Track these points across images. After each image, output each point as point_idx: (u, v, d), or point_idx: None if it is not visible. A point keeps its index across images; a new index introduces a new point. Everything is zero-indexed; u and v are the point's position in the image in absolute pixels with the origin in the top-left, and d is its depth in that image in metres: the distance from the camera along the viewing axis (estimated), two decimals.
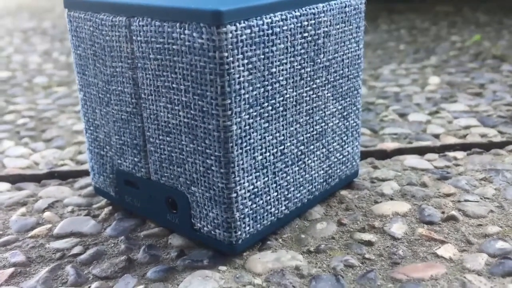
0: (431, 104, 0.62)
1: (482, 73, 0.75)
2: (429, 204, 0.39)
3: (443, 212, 0.38)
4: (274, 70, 0.32)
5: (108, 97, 0.36)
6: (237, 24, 0.29)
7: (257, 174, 0.33)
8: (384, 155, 0.49)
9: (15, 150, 0.53)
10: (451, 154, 0.48)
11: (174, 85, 0.32)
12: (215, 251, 0.34)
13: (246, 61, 0.30)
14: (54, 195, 0.43)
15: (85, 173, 0.47)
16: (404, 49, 0.92)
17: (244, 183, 0.32)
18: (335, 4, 0.35)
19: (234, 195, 0.32)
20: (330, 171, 0.39)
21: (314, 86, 0.36)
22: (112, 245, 0.36)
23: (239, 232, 0.33)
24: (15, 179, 0.47)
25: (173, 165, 0.34)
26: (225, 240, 0.33)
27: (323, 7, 0.35)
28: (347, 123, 0.40)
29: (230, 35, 0.29)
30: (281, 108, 0.33)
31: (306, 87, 0.35)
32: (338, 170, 0.40)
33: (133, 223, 0.38)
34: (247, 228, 0.33)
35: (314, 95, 0.36)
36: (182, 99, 0.32)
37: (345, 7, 0.36)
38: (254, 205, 0.33)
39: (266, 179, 0.34)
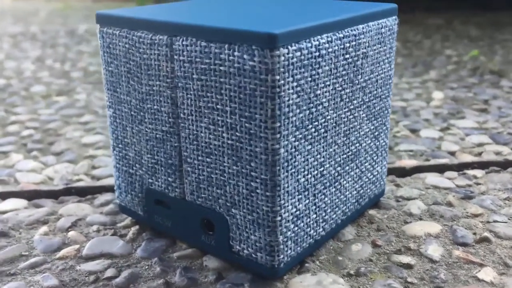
0: (440, 120, 0.62)
1: (483, 88, 0.76)
2: (459, 224, 0.39)
3: (474, 233, 0.38)
4: (318, 92, 0.32)
5: (142, 115, 0.36)
6: (289, 47, 0.29)
7: (300, 196, 0.33)
8: (403, 172, 0.49)
9: (26, 164, 0.52)
10: (470, 172, 0.49)
11: (218, 106, 0.31)
12: (254, 274, 0.34)
13: (295, 83, 0.30)
14: (75, 212, 0.42)
15: (103, 189, 0.46)
16: (402, 63, 0.92)
17: (288, 206, 0.32)
18: (373, 25, 0.35)
19: (279, 218, 0.31)
20: (362, 191, 0.39)
21: (352, 107, 0.35)
22: (146, 267, 0.35)
23: (282, 256, 0.32)
24: (31, 195, 0.45)
25: (212, 186, 0.34)
26: (267, 264, 0.33)
27: (362, 28, 0.34)
28: (378, 143, 0.40)
29: (282, 58, 0.29)
30: (322, 130, 0.33)
31: (344, 108, 0.35)
32: (368, 190, 0.40)
33: (163, 243, 0.38)
34: (289, 251, 0.33)
35: (351, 116, 0.36)
36: (227, 120, 0.31)
37: (381, 28, 0.36)
38: (296, 228, 0.33)
39: (307, 201, 0.33)
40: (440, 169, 0.49)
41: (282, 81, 0.29)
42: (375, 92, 0.38)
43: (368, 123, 0.38)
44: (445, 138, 0.57)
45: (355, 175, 0.38)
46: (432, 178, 0.47)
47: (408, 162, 0.50)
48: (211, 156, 0.33)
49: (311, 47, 0.30)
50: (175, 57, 0.32)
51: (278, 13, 0.34)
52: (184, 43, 0.31)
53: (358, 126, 0.37)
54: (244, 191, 0.32)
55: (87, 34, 1.28)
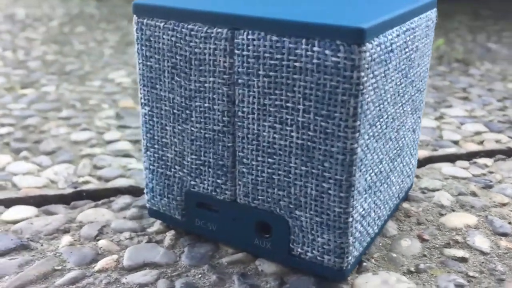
0: (432, 109, 0.63)
1: (457, 76, 0.78)
2: (492, 214, 0.40)
3: (509, 223, 0.39)
4: (386, 88, 0.31)
5: (188, 114, 0.33)
6: (372, 42, 0.28)
7: (366, 195, 0.32)
8: (418, 164, 0.49)
9: (18, 166, 0.47)
10: (479, 161, 0.50)
11: (288, 104, 0.29)
12: (316, 277, 0.33)
13: (373, 80, 0.29)
14: (95, 219, 0.39)
15: (117, 192, 0.43)
16: None
17: (357, 206, 0.31)
18: (423, 17, 0.35)
19: (351, 219, 0.30)
20: (402, 185, 0.39)
21: (404, 101, 0.35)
22: (199, 275, 0.33)
23: (350, 257, 0.31)
24: (38, 201, 0.42)
25: (273, 188, 0.32)
26: (334, 266, 0.32)
27: (417, 20, 0.34)
28: (415, 136, 0.39)
29: (367, 53, 0.27)
30: (384, 126, 0.32)
31: (399, 103, 0.34)
32: (405, 184, 0.40)
33: (208, 248, 0.36)
34: (355, 252, 0.32)
35: (402, 111, 0.35)
36: (297, 119, 0.29)
37: (428, 20, 0.36)
38: (361, 228, 0.32)
39: (370, 200, 0.33)
40: (451, 159, 0.50)
41: (365, 78, 0.28)
42: (418, 85, 0.37)
43: (411, 117, 0.37)
44: (443, 127, 0.58)
45: (399, 170, 0.37)
46: (447, 168, 0.48)
47: (419, 153, 0.50)
48: (275, 156, 0.31)
49: (387, 41, 0.29)
50: (237, 51, 0.30)
51: (348, 5, 0.32)
52: (249, 37, 0.29)
53: (405, 121, 0.36)
54: (313, 192, 0.31)
55: (29, 20, 1.19)
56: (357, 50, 0.27)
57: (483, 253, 0.35)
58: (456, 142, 0.54)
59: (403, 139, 0.37)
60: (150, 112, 0.35)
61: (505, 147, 0.52)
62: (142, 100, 0.35)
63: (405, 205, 0.41)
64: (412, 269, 0.34)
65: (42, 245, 0.36)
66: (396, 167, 0.36)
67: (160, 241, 0.36)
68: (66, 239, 0.36)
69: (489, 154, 0.51)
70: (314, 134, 0.29)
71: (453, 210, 0.41)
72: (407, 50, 0.33)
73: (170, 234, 0.37)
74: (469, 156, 0.51)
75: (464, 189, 0.44)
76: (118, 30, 1.07)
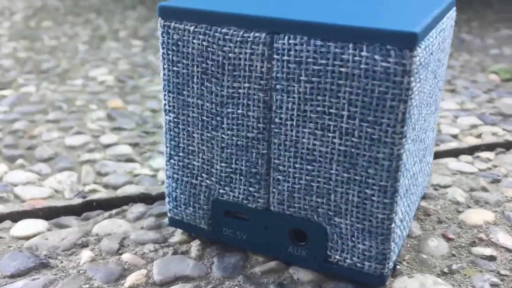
0: None
1: None
2: (507, 210, 0.41)
3: None
4: (425, 90, 0.31)
5: (218, 121, 0.32)
6: (421, 46, 0.27)
7: (404, 200, 0.31)
8: None
9: (16, 175, 0.45)
10: (482, 155, 0.50)
11: (332, 110, 0.29)
12: (354, 284, 0.32)
13: (419, 84, 0.28)
14: (112, 230, 0.37)
15: (129, 200, 0.41)
16: None
17: (398, 211, 0.31)
18: (448, 17, 0.35)
19: (393, 225, 0.30)
20: (424, 184, 0.39)
21: (431, 102, 0.35)
22: (235, 287, 0.32)
23: (390, 263, 0.31)
24: (47, 214, 0.39)
25: (310, 195, 0.31)
26: (375, 272, 0.31)
27: (445, 21, 0.34)
28: (433, 135, 0.40)
29: (417, 58, 0.27)
30: (419, 129, 0.32)
31: (429, 104, 0.34)
32: (425, 183, 0.40)
33: (238, 258, 0.35)
34: (394, 256, 0.32)
35: (430, 111, 0.35)
36: (341, 125, 0.29)
37: (452, 19, 0.36)
38: (400, 232, 0.32)
39: (405, 203, 0.32)
40: (454, 153, 0.51)
41: (413, 83, 0.27)
42: (440, 84, 0.37)
43: (433, 116, 0.37)
44: (440, 121, 0.58)
45: (424, 170, 0.37)
46: (453, 163, 0.48)
47: None
48: (314, 163, 0.30)
49: (429, 44, 0.29)
50: (276, 56, 0.29)
51: (386, 6, 0.31)
52: (291, 41, 0.28)
53: (429, 120, 0.36)
54: (355, 198, 0.30)
55: None
56: (409, 55, 0.26)
57: (508, 250, 0.36)
58: (455, 136, 0.54)
59: (428, 139, 0.36)
60: (175, 119, 0.33)
61: (503, 140, 0.53)
62: (167, 107, 0.33)
63: (423, 203, 0.41)
64: (446, 270, 0.34)
65: (62, 262, 0.34)
66: (422, 167, 0.36)
67: (185, 252, 0.35)
68: (87, 254, 0.35)
69: (490, 147, 0.52)
70: (359, 140, 0.29)
71: (469, 207, 0.41)
72: (439, 51, 0.32)
73: (195, 244, 0.36)
74: (471, 150, 0.51)
75: (474, 185, 0.45)
76: (87, 24, 1.04)
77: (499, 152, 0.51)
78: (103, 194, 0.42)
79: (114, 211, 0.40)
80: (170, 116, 0.34)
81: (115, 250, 0.35)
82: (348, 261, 0.32)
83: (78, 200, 0.41)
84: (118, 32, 0.98)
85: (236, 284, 0.32)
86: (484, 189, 0.44)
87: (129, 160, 0.48)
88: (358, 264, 0.31)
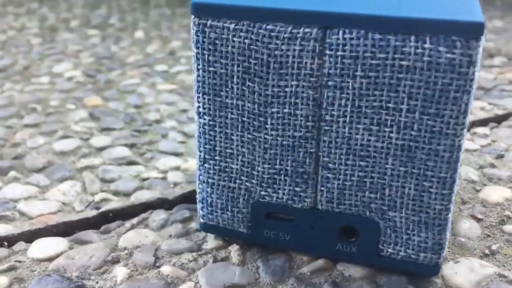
0: None
1: None
2: None
3: None
4: None
5: (261, 121, 0.30)
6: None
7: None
8: None
9: (14, 190, 0.41)
10: (478, 130, 0.52)
11: (389, 105, 0.28)
12: (407, 276, 0.32)
13: (477, 74, 0.28)
14: (141, 242, 0.35)
15: (146, 207, 0.39)
16: None
17: (453, 200, 0.30)
18: None
19: (450, 215, 0.30)
20: None
21: None
22: None
23: (445, 252, 0.31)
24: (62, 230, 0.37)
25: (363, 191, 0.30)
26: (430, 263, 0.31)
27: None
28: None
29: (480, 48, 0.26)
30: None
31: None
32: None
33: (282, 259, 0.33)
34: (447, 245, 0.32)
35: None
36: (399, 119, 0.28)
37: None
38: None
39: None
40: None
41: (476, 73, 0.27)
42: None
43: None
44: None
45: None
46: None
47: None
48: (368, 159, 0.30)
49: None
50: (328, 52, 0.28)
51: None
52: (346, 36, 0.27)
53: None
54: (411, 192, 0.30)
55: None
56: (475, 45, 0.26)
57: None
58: None
59: None
60: (211, 122, 0.31)
61: (492, 114, 0.55)
62: (201, 109, 0.31)
63: None
64: (486, 251, 0.34)
65: (97, 283, 0.32)
66: None
67: (225, 258, 0.34)
68: (122, 271, 0.32)
69: (483, 123, 0.53)
70: (418, 134, 0.28)
71: (485, 185, 0.42)
72: None
73: (234, 249, 0.34)
74: (468, 127, 0.52)
75: (482, 162, 0.46)
76: (31, 14, 0.97)
77: (493, 127, 0.53)
78: (116, 203, 0.39)
79: (135, 221, 0.37)
80: (205, 119, 0.32)
81: (151, 263, 0.33)
82: (401, 253, 0.31)
83: (92, 212, 0.38)
84: (69, 22, 0.92)
85: (290, 287, 0.31)
86: (493, 166, 0.45)
87: (131, 163, 0.45)
88: (413, 256, 0.31)
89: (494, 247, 0.35)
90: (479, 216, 0.38)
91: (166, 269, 0.33)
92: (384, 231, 0.31)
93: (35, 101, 0.58)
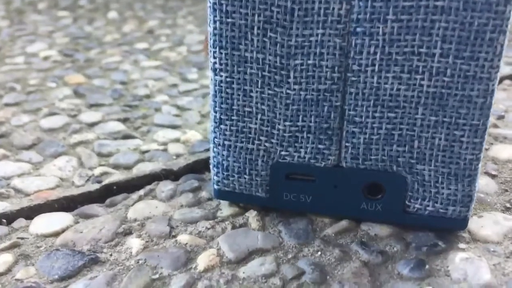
0: None
1: None
2: None
3: None
4: None
5: (283, 75, 0.29)
6: None
7: None
8: None
9: (6, 167, 0.38)
10: None
11: (422, 50, 0.27)
12: (434, 231, 0.31)
13: None
14: (151, 213, 0.33)
15: (150, 179, 0.37)
16: None
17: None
18: None
19: (480, 164, 0.29)
20: None
21: None
22: (318, 253, 0.29)
23: (473, 204, 0.30)
24: (64, 205, 0.34)
25: (390, 145, 0.29)
26: (459, 216, 0.30)
27: None
28: None
29: None
30: None
31: None
32: None
33: (304, 222, 0.32)
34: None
35: None
36: (431, 65, 0.27)
37: None
38: None
39: None
40: None
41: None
42: None
43: None
44: None
45: None
46: None
47: None
48: (397, 109, 0.28)
49: None
50: None
51: None
52: None
53: None
54: (441, 142, 0.29)
55: None
56: None
57: None
58: None
59: None
60: (228, 79, 0.30)
61: None
62: (217, 65, 0.30)
63: None
64: (508, 205, 0.34)
65: (111, 255, 0.30)
66: None
67: (244, 224, 0.32)
68: (136, 242, 0.30)
69: None
70: (451, 80, 0.27)
71: (492, 143, 0.42)
72: None
73: (252, 216, 0.33)
74: None
75: None
76: None
77: None
78: (119, 175, 0.37)
79: (142, 192, 0.35)
80: (221, 76, 0.30)
81: (167, 233, 0.31)
82: (429, 208, 0.30)
83: (94, 186, 0.36)
84: (36, 4, 0.88)
85: (317, 249, 0.30)
86: (496, 126, 0.45)
87: (127, 136, 0.43)
88: (441, 210, 0.30)
89: None
90: (493, 173, 0.37)
91: (183, 237, 0.31)
92: (411, 186, 0.30)
93: (13, 81, 0.55)
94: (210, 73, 0.30)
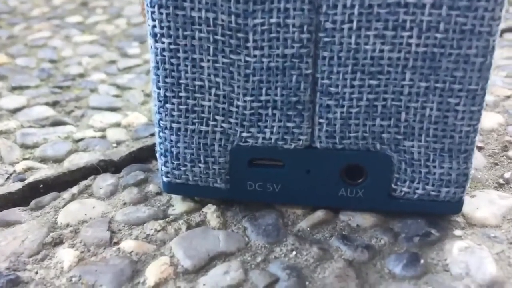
0: None
1: None
2: (510, 108, 0.38)
3: None
4: None
5: (240, 38, 0.23)
6: None
7: None
8: None
9: None
10: None
11: (409, 0, 0.22)
12: (424, 217, 0.27)
13: None
14: (87, 215, 0.27)
15: (87, 172, 0.31)
16: None
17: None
18: None
19: (477, 137, 0.25)
20: None
21: None
22: (291, 254, 0.24)
23: (468, 184, 0.26)
24: None
25: (372, 119, 0.24)
26: (453, 198, 0.26)
27: None
28: None
29: None
30: None
31: None
32: None
33: (273, 216, 0.27)
34: None
35: None
36: (421, 18, 0.22)
37: None
38: None
39: None
40: None
41: None
42: None
43: None
44: None
45: None
46: None
47: None
48: (380, 75, 0.23)
49: None
50: None
51: None
52: None
53: None
54: (433, 113, 0.24)
55: None
56: None
57: None
58: None
59: None
60: (172, 46, 0.24)
61: None
62: (157, 29, 0.24)
63: None
64: (501, 181, 0.30)
65: (37, 273, 0.24)
66: None
67: (201, 223, 0.27)
68: (68, 253, 0.25)
69: None
70: (444, 36, 0.22)
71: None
72: None
73: (210, 211, 0.27)
74: None
75: None
76: None
77: None
78: (46, 171, 0.31)
79: (75, 190, 0.29)
80: (163, 43, 0.24)
81: (106, 240, 0.25)
82: (419, 191, 0.26)
83: (15, 186, 0.29)
84: None
85: (290, 248, 0.25)
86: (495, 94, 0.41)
87: (57, 123, 0.37)
88: (432, 193, 0.26)
89: (507, 175, 0.30)
90: (480, 145, 0.33)
91: (127, 244, 0.25)
92: (398, 166, 0.25)
93: None
94: (149, 40, 0.24)
